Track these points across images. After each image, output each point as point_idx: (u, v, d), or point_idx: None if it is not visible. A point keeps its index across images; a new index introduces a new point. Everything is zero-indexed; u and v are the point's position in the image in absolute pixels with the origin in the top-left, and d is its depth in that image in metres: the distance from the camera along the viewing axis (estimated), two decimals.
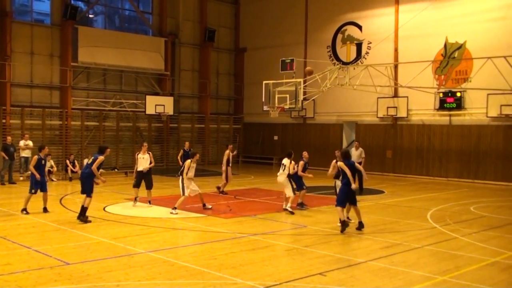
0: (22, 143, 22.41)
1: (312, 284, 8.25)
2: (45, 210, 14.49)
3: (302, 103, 22.74)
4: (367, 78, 22.75)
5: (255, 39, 33.69)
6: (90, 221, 13.04)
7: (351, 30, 29.07)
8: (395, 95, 26.74)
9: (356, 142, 20.58)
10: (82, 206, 13.19)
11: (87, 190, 13.23)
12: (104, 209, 15.28)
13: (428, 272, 8.99)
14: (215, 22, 33.50)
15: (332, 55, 29.70)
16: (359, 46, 28.61)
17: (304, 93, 22.62)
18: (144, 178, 15.96)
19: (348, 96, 27.70)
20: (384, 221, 14.05)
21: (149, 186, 15.94)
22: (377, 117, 27.50)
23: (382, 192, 20.55)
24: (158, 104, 28.44)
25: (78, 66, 27.44)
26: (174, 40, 31.37)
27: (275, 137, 32.53)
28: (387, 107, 26.81)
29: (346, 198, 12.50)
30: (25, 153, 22.45)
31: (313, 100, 27.21)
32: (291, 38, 31.22)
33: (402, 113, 26.43)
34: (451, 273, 8.96)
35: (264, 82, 23.05)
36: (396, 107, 26.58)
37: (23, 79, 26.23)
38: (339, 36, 29.57)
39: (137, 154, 16.23)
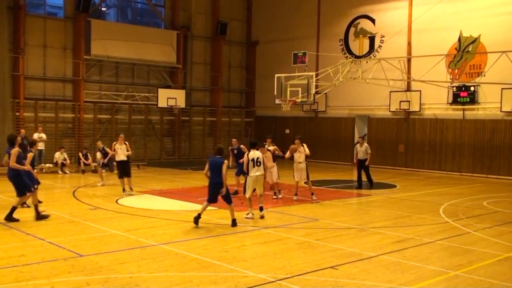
0: (36, 135, 22.58)
1: (323, 277, 8.25)
2: (23, 205, 13.49)
3: (314, 97, 22.70)
4: (380, 72, 22.63)
5: (267, 32, 33.60)
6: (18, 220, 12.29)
7: (364, 24, 28.89)
8: (408, 89, 26.57)
9: (360, 139, 20.06)
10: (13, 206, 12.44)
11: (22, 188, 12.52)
12: (116, 201, 15.39)
13: (441, 267, 8.96)
14: (227, 15, 33.45)
15: (344, 48, 29.55)
16: (372, 39, 28.41)
17: (316, 86, 22.57)
18: (123, 167, 16.92)
19: (360, 90, 27.58)
20: (396, 215, 14.00)
21: (128, 174, 16.92)
22: (390, 111, 27.35)
23: (394, 186, 20.47)
24: (170, 97, 28.50)
25: (91, 59, 27.55)
26: (186, 33, 31.37)
27: (287, 131, 32.48)
28: (400, 101, 26.64)
29: None
30: (39, 146, 22.59)
31: (325, 93, 27.14)
32: (304, 31, 31.11)
33: (415, 107, 26.27)
34: (464, 268, 8.92)
35: (276, 75, 23.03)
36: (409, 101, 26.41)
37: (37, 72, 26.40)
38: (352, 29, 29.40)
39: (115, 145, 17.28)
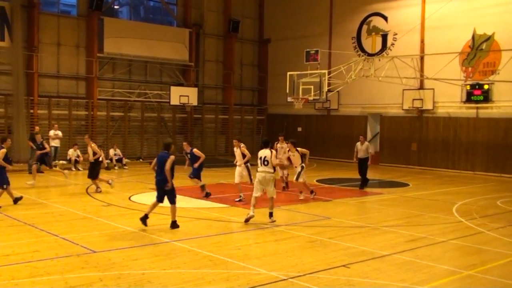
0: (52, 132, 22.78)
1: (335, 276, 8.24)
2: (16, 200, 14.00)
3: (326, 95, 22.63)
4: (393, 70, 22.53)
5: (279, 30, 33.57)
6: None
7: (377, 21, 28.76)
8: (421, 87, 26.41)
9: (361, 137, 19.07)
10: None
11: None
12: (129, 198, 15.48)
13: (454, 267, 8.91)
14: (239, 13, 33.46)
15: (357, 46, 29.43)
16: (384, 37, 28.27)
17: (329, 84, 22.52)
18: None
19: (373, 88, 27.46)
20: (409, 214, 13.94)
21: (93, 177, 16.83)
22: (403, 109, 27.21)
23: (407, 185, 20.37)
24: (183, 95, 28.58)
25: (104, 57, 27.70)
26: (199, 31, 31.42)
27: (299, 129, 32.44)
28: (413, 99, 26.50)
29: None
30: (55, 143, 22.83)
31: (338, 91, 27.02)
32: (316, 29, 31.03)
33: (428, 106, 26.11)
34: (477, 268, 8.87)
35: (288, 73, 23.00)
36: (422, 99, 26.25)
37: (50, 69, 26.59)
38: (364, 27, 29.28)
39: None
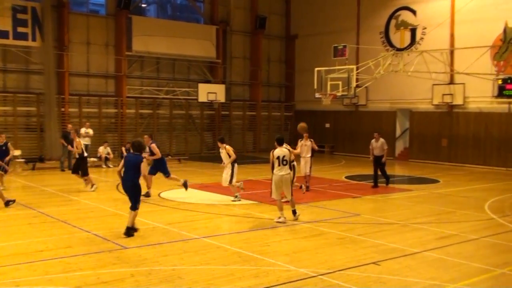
0: (83, 130, 23.15)
1: (366, 273, 8.20)
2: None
3: (354, 90, 22.47)
4: (422, 65, 22.25)
5: (306, 25, 33.41)
6: None
7: (405, 15, 28.39)
8: (451, 82, 25.99)
9: (376, 134, 18.28)
10: None
11: None
12: (159, 195, 15.63)
13: (486, 265, 8.76)
14: (266, 9, 33.42)
15: (385, 41, 29.11)
16: (413, 31, 27.88)
17: (357, 80, 22.33)
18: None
19: (401, 83, 27.14)
20: (439, 211, 13.75)
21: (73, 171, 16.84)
22: (432, 105, 26.83)
23: (437, 181, 20.09)
24: (210, 92, 28.72)
25: (132, 55, 28.02)
26: (226, 28, 31.51)
27: (327, 125, 32.29)
28: (443, 94, 26.10)
29: None
30: (85, 141, 23.09)
31: (366, 87, 26.78)
32: (343, 24, 30.79)
33: (458, 101, 25.69)
34: (510, 266, 8.71)
35: (316, 69, 22.88)
36: (452, 94, 25.84)
37: (80, 68, 27.01)
38: (393, 21, 28.93)
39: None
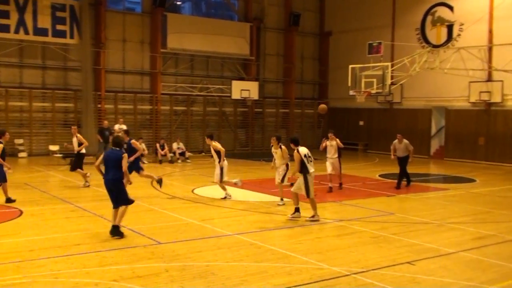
0: (117, 127, 23.51)
1: (400, 272, 8.11)
2: (9, 200, 13.30)
3: (389, 88, 22.22)
4: (459, 62, 21.86)
5: (340, 22, 33.16)
6: None
7: (442, 11, 27.87)
8: (489, 79, 25.42)
9: (399, 135, 17.39)
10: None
11: None
12: (192, 191, 15.77)
13: None
14: (300, 6, 33.29)
15: (421, 37, 28.64)
16: (450, 28, 27.39)
17: (392, 77, 22.09)
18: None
19: (437, 80, 26.69)
20: (476, 211, 13.50)
21: (72, 168, 16.45)
22: (469, 102, 26.30)
23: (473, 180, 19.70)
24: (244, 89, 28.79)
25: (167, 52, 28.31)
26: (259, 25, 31.53)
27: (361, 123, 32.02)
28: (480, 92, 25.55)
29: None
30: None
31: (401, 84, 26.45)
32: (378, 21, 30.44)
33: (496, 98, 25.11)
34: None
35: (350, 66, 22.74)
36: (489, 92, 25.28)
37: (116, 65, 27.45)
38: (429, 17, 28.45)
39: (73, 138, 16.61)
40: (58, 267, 8.11)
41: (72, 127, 17.28)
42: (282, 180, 13.54)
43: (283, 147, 13.51)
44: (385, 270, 8.19)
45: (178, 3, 31.01)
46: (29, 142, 25.26)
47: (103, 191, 15.58)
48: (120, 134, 23.26)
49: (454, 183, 18.68)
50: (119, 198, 10.10)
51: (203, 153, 28.04)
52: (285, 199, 13.55)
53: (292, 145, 11.92)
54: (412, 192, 16.45)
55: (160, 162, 23.96)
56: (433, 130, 28.45)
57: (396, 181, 17.27)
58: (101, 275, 7.73)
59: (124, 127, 23.80)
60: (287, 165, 13.56)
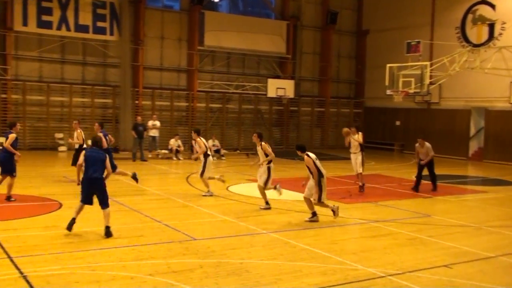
0: (150, 123, 23.81)
1: (437, 276, 7.98)
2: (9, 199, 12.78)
3: (428, 87, 21.86)
4: (500, 61, 21.36)
5: (378, 20, 32.76)
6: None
7: (483, 10, 27.23)
8: None
9: (420, 139, 16.45)
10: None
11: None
12: (227, 188, 15.84)
13: None
14: (338, 4, 33.02)
15: (461, 36, 28.04)
16: (491, 26, 26.72)
17: (430, 77, 21.73)
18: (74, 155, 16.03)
19: (477, 80, 26.09)
20: None
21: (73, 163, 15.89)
22: (510, 103, 25.64)
23: None
24: (279, 87, 28.75)
25: (204, 49, 28.51)
26: (296, 23, 31.41)
27: (397, 123, 31.59)
28: None
29: None
30: (153, 133, 23.82)
31: (439, 84, 25.99)
32: (417, 19, 29.93)
33: None
34: None
35: (387, 65, 22.47)
36: None
37: (154, 62, 27.80)
38: (470, 16, 27.83)
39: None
40: (96, 260, 8.27)
41: (74, 121, 17.03)
42: (265, 185, 13.05)
43: (263, 143, 13.12)
44: (422, 273, 8.07)
45: (216, 1, 31.17)
46: (68, 136, 25.77)
47: (140, 186, 15.88)
48: (153, 130, 23.64)
49: (493, 186, 18.25)
50: (105, 198, 9.91)
51: (238, 151, 28.16)
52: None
53: (299, 152, 11.68)
54: (449, 194, 16.14)
55: (196, 159, 24.05)
56: (472, 131, 27.85)
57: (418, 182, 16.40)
58: (137, 269, 7.84)
59: (158, 123, 24.14)
60: (268, 169, 13.04)
